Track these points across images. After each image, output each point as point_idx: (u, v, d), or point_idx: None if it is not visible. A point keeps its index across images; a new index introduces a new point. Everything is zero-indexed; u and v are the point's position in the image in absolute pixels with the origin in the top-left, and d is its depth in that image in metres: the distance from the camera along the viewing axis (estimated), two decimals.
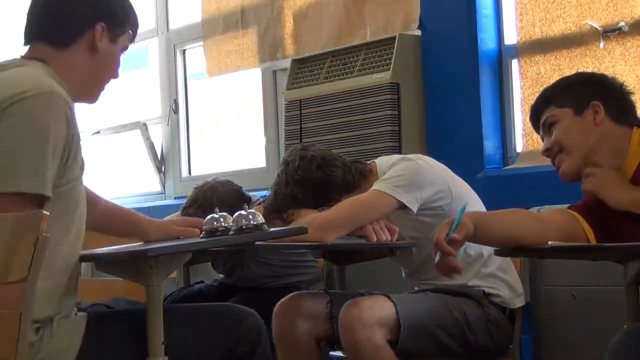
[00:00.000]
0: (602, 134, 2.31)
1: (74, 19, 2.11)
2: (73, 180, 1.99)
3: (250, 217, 2.20)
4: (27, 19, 2.15)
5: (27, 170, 1.86)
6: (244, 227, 2.19)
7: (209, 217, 2.25)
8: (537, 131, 2.46)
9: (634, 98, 2.40)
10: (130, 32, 2.19)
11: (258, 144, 5.04)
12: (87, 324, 2.03)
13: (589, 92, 2.36)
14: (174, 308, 2.39)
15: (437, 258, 2.17)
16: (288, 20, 4.59)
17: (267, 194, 2.99)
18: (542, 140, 2.44)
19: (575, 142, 2.32)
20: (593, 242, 2.26)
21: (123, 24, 2.16)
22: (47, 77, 2.00)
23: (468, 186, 2.93)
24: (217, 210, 2.26)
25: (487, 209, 2.92)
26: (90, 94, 2.18)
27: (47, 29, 2.11)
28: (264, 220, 2.24)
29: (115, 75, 2.20)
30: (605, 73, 2.65)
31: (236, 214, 2.23)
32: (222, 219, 2.22)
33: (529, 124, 3.60)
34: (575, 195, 2.43)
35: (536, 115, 2.43)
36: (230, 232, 2.19)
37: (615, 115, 2.33)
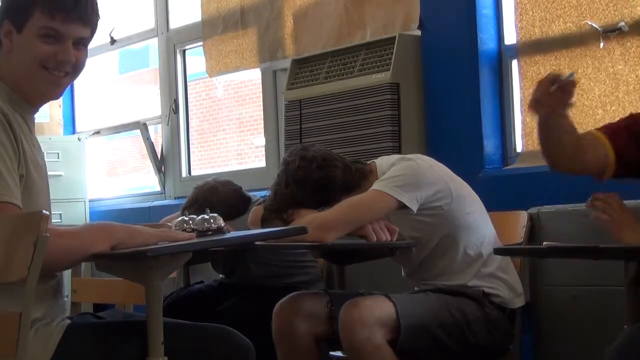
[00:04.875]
0: None
1: None
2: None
3: (212, 220, 2.23)
4: None
5: None
6: (204, 230, 2.20)
7: (199, 217, 2.25)
8: None
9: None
10: (41, 10, 2.07)
11: (258, 144, 5.04)
12: (64, 334, 1.99)
13: None
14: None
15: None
16: (288, 20, 4.59)
17: (267, 194, 2.99)
18: None
19: None
20: (612, 159, 2.36)
21: (24, 11, 2.08)
22: None
23: (468, 186, 2.93)
24: (209, 210, 2.27)
25: (487, 208, 2.93)
26: (35, 90, 2.11)
27: None
28: (223, 224, 2.25)
29: (51, 59, 2.08)
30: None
31: (199, 217, 2.25)
32: (212, 220, 2.23)
33: (529, 124, 3.63)
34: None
35: None
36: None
37: None
